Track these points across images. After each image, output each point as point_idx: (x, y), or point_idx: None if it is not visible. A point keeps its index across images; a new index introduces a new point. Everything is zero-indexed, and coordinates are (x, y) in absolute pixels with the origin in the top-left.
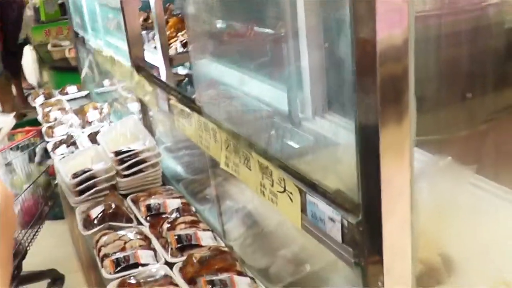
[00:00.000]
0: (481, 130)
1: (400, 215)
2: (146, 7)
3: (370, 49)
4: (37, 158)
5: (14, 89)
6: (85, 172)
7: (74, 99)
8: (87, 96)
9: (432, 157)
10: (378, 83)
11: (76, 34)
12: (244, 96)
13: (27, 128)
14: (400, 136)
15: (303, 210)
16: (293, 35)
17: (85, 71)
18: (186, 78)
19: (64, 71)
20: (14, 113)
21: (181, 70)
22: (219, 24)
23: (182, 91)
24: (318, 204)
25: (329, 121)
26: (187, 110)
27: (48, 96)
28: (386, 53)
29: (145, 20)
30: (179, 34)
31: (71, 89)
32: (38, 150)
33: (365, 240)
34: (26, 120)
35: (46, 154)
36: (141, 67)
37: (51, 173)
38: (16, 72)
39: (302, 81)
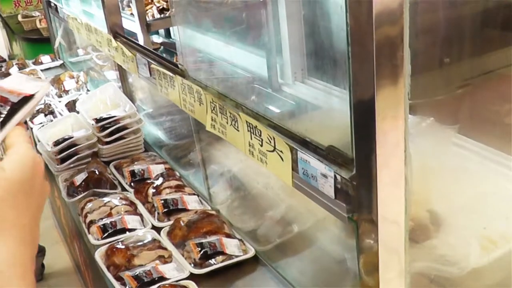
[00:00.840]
0: (459, 94)
1: (394, 168)
2: None
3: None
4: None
5: None
6: (66, 139)
7: (49, 68)
8: (61, 65)
9: (414, 118)
10: (374, 40)
11: (49, 3)
12: (225, 62)
13: None
14: (395, 90)
15: (294, 168)
16: (272, 1)
17: (58, 40)
18: (162, 46)
19: (36, 42)
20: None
21: (156, 39)
22: None
23: (157, 53)
24: (309, 161)
25: (309, 86)
26: (170, 74)
27: (22, 66)
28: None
29: None
30: (155, 0)
31: (45, 59)
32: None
33: (359, 194)
34: None
35: None
36: (119, 33)
37: None
38: None
39: (282, 47)
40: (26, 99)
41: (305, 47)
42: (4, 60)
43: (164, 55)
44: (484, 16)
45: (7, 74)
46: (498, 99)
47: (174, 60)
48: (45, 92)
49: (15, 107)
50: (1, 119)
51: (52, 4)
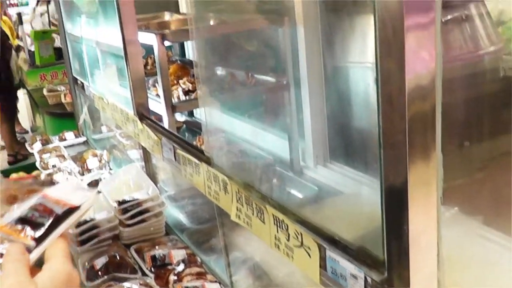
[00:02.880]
0: (480, 177)
1: (427, 272)
2: (146, 53)
3: (397, 94)
4: None
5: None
6: (87, 221)
7: (72, 145)
8: (84, 143)
9: None
10: (407, 133)
11: (75, 79)
12: (248, 144)
13: (20, 176)
14: (429, 189)
15: (322, 265)
16: (295, 84)
17: (83, 117)
18: (184, 125)
19: (59, 116)
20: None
21: (179, 117)
22: (225, 72)
23: (183, 138)
24: (339, 260)
25: (331, 169)
26: (196, 160)
27: (45, 142)
28: (414, 97)
29: (145, 66)
30: (180, 81)
31: (69, 136)
32: None
33: None
34: (20, 165)
35: None
36: (144, 115)
37: None
38: (12, 115)
39: (304, 130)
40: (71, 210)
41: (328, 130)
42: (27, 132)
43: (186, 134)
44: (502, 97)
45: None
46: None
47: (197, 140)
48: (92, 203)
49: (59, 219)
50: (44, 230)
51: (79, 82)
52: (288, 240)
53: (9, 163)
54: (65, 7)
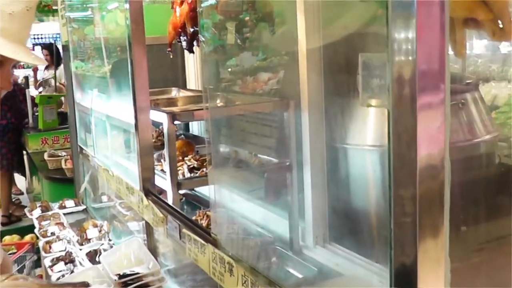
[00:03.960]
0: (475, 262)
1: None
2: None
3: (409, 173)
4: (25, 271)
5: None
6: None
7: (71, 213)
8: (84, 211)
9: None
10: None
11: (81, 149)
12: (249, 221)
13: (16, 242)
14: (438, 268)
15: None
16: (297, 164)
17: (84, 185)
18: (184, 198)
19: (58, 181)
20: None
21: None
22: (229, 149)
23: (190, 218)
24: None
25: (330, 251)
26: (201, 241)
27: (45, 209)
28: (425, 175)
29: None
30: (186, 158)
31: (69, 203)
32: (27, 264)
33: None
34: (14, 227)
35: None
36: (150, 191)
37: None
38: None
39: (304, 210)
40: None
41: (328, 211)
42: (22, 193)
43: (185, 207)
44: (498, 182)
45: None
46: None
47: (197, 215)
48: None
49: None
50: None
51: (84, 151)
52: None
53: (2, 224)
54: (77, 78)
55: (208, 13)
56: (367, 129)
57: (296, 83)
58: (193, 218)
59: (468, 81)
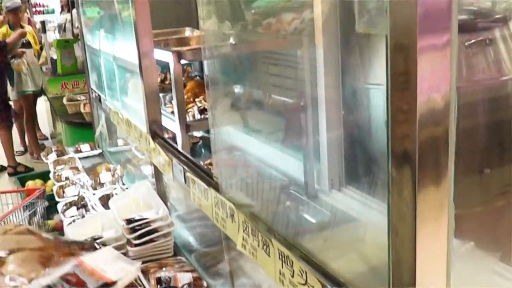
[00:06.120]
0: (499, 205)
1: None
2: (164, 68)
3: (409, 113)
4: (37, 217)
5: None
6: (95, 239)
7: (87, 157)
8: (99, 155)
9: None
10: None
11: (93, 92)
12: (261, 165)
13: (28, 188)
14: (439, 217)
15: None
16: (312, 105)
17: (99, 129)
18: (201, 141)
19: (77, 126)
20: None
21: (196, 132)
22: (238, 89)
23: (194, 161)
24: None
25: (346, 194)
26: (204, 185)
27: (60, 153)
28: (426, 118)
29: (162, 81)
30: (197, 100)
31: (84, 147)
32: (38, 210)
33: None
34: (35, 173)
35: (46, 214)
36: (157, 134)
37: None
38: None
39: (320, 152)
40: (106, 285)
41: (343, 154)
42: (46, 138)
43: (202, 150)
44: None
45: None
46: None
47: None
48: (130, 279)
49: None
50: None
51: (96, 95)
52: (292, 276)
53: (9, 174)
54: (85, 19)
55: None
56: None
57: (311, 18)
58: (208, 161)
59: (497, 16)
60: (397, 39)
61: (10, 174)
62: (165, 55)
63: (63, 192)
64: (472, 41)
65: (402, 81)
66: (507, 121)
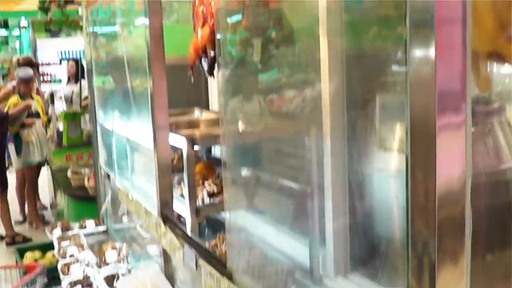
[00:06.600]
0: None
1: None
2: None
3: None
4: None
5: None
6: None
7: (92, 233)
8: (104, 232)
9: None
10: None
11: (102, 169)
12: (267, 247)
13: (28, 264)
14: None
15: None
16: (319, 190)
17: (105, 206)
18: (205, 221)
19: (81, 199)
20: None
21: None
22: (252, 173)
23: (207, 248)
24: None
25: (351, 281)
26: (217, 274)
27: (65, 228)
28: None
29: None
30: (206, 183)
31: (89, 224)
32: None
33: None
34: (34, 244)
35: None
36: (169, 217)
37: None
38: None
39: (326, 237)
40: None
41: (350, 239)
42: (46, 208)
43: (206, 230)
44: None
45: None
46: None
47: (217, 239)
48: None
49: None
50: None
51: (105, 172)
52: None
53: (7, 244)
54: (99, 95)
55: (235, 29)
56: (391, 154)
57: (318, 103)
58: (213, 242)
59: (494, 103)
60: (416, 120)
61: (8, 244)
62: (178, 140)
63: (68, 270)
64: (473, 130)
65: (421, 162)
66: (508, 207)
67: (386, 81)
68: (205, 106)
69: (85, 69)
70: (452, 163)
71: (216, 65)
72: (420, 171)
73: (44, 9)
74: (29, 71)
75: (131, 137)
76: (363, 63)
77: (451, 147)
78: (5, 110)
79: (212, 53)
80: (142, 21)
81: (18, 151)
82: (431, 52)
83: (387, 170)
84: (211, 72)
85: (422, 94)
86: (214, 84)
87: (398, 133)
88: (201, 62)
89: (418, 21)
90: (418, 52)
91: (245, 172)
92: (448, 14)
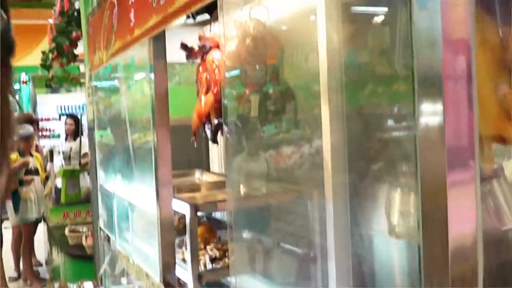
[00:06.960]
0: None
1: None
2: None
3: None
4: None
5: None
6: None
7: None
8: None
9: None
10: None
11: (102, 230)
12: None
13: None
14: None
15: None
16: (321, 254)
17: (103, 268)
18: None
19: (78, 258)
20: None
21: None
22: (251, 237)
23: None
24: None
25: None
26: None
27: None
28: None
29: None
30: (208, 247)
31: (88, 285)
32: None
33: None
34: None
35: None
36: (171, 284)
37: None
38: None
39: None
40: None
41: None
42: (41, 265)
43: None
44: None
45: None
46: None
47: None
48: None
49: None
50: None
51: (105, 234)
52: None
53: None
54: (100, 151)
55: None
56: (394, 216)
57: (320, 164)
58: None
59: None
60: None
61: None
62: (182, 207)
63: None
64: None
65: (433, 217)
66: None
67: (388, 139)
68: (206, 167)
69: (86, 125)
70: (464, 219)
71: (219, 132)
72: (432, 226)
73: (46, 66)
74: (29, 128)
75: (133, 201)
76: (363, 121)
77: (462, 203)
78: None
79: (216, 121)
80: (146, 76)
81: (16, 209)
82: (439, 108)
83: (391, 232)
84: (214, 139)
85: (431, 151)
86: (215, 146)
87: (403, 194)
88: (204, 129)
89: (426, 78)
90: (426, 108)
91: (250, 236)
92: (454, 72)
